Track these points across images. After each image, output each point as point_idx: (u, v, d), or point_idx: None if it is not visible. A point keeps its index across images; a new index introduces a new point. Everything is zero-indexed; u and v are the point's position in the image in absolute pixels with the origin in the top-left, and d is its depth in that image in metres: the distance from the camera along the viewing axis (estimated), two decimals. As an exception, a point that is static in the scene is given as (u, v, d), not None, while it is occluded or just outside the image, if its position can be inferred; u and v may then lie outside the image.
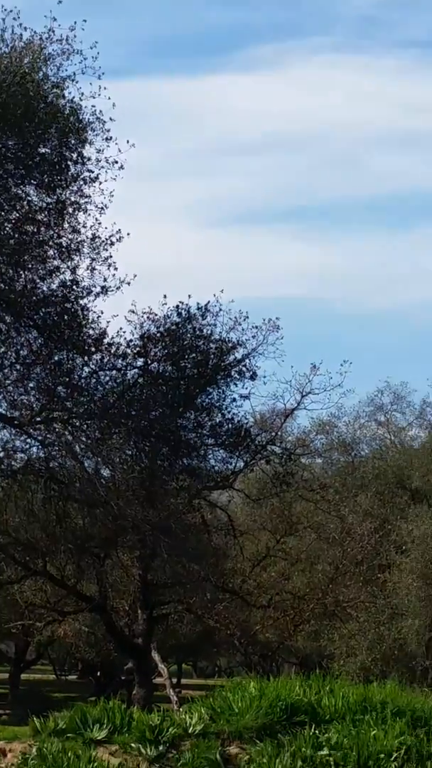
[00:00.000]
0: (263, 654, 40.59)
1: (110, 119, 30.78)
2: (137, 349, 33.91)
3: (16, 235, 31.04)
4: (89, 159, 31.10)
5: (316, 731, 17.11)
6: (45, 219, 31.45)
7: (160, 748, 16.81)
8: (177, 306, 34.86)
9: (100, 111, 30.74)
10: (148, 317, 34.64)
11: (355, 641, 40.60)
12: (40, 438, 32.55)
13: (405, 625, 40.55)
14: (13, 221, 31.03)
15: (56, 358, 31.93)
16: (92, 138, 30.94)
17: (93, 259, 31.74)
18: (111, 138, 30.83)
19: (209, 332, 34.47)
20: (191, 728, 17.46)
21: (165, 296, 34.51)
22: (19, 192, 31.12)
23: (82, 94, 30.70)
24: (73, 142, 30.89)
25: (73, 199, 31.52)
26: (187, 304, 35.00)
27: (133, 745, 16.88)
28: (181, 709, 19.56)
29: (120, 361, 33.60)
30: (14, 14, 29.82)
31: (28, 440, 32.82)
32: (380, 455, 46.86)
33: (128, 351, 33.70)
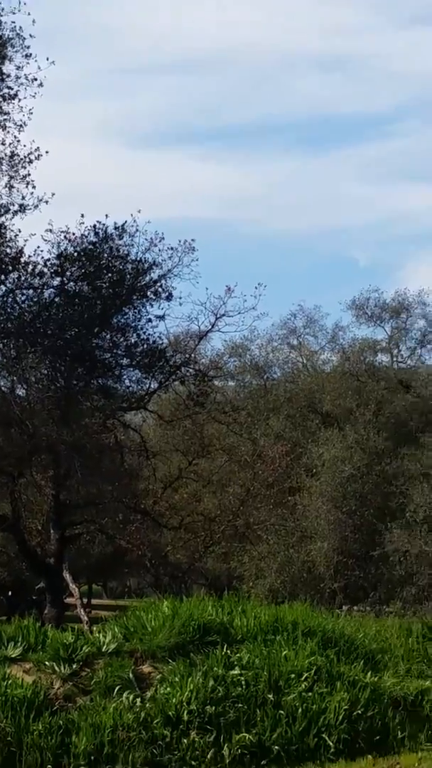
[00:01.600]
0: (173, 575, 41.06)
1: (30, 36, 31.24)
2: (54, 268, 33.79)
3: None
4: (8, 76, 31.65)
5: (228, 651, 17.43)
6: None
7: (74, 666, 17.14)
8: (94, 226, 34.34)
9: (20, 27, 30.99)
10: (65, 236, 34.11)
11: (264, 563, 40.81)
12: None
13: (314, 547, 40.56)
14: None
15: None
16: (12, 54, 31.56)
17: (11, 177, 31.98)
18: (30, 55, 31.30)
19: (126, 252, 34.40)
20: (105, 647, 17.77)
21: (82, 215, 34.31)
22: None
23: (2, 9, 31.22)
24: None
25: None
26: (104, 224, 34.94)
27: (47, 663, 17.20)
28: (93, 629, 20.53)
29: (37, 280, 33.69)
30: None
31: None
32: (292, 379, 46.27)
33: (45, 270, 33.77)
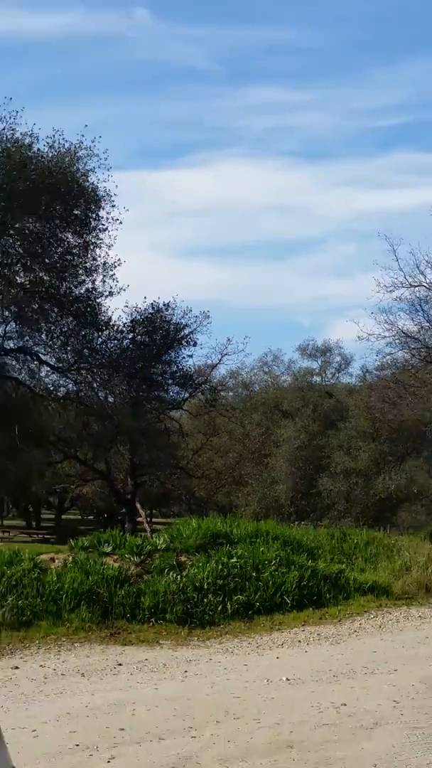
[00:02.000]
0: (198, 504, 41.28)
1: (114, 194, 31.50)
2: (128, 327, 34.35)
3: (60, 262, 32.14)
4: (102, 217, 31.97)
5: (229, 548, 17.41)
6: (77, 252, 32.34)
7: (141, 557, 17.00)
8: (152, 303, 34.40)
9: (108, 189, 31.30)
10: (135, 309, 34.33)
11: (250, 498, 40.80)
12: (73, 379, 33.59)
13: (279, 488, 40.48)
14: (59, 253, 32.08)
15: (83, 333, 32.82)
16: (104, 205, 31.80)
17: (104, 276, 32.53)
18: (115, 205, 31.78)
19: (170, 318, 35.05)
20: (159, 546, 17.68)
21: (144, 297, 35.17)
22: (62, 236, 32.05)
23: (98, 179, 31.39)
24: (93, 207, 31.82)
25: (93, 240, 32.34)
26: (157, 303, 34.55)
27: (126, 555, 17.02)
28: (153, 536, 20.63)
29: (119, 335, 34.34)
30: (60, 132, 30.70)
31: (67, 380, 33.87)
32: (265, 391, 46.17)
33: (123, 329, 34.40)
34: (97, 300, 32.95)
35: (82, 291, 32.66)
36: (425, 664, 12.13)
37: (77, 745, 9.05)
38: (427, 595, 16.94)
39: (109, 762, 8.62)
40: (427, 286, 30.32)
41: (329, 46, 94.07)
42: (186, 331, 35.69)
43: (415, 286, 30.17)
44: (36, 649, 13.65)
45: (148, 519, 32.76)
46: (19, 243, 31.07)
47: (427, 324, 31.44)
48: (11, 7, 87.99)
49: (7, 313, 31.93)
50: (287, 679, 11.71)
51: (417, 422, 33.66)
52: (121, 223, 32.58)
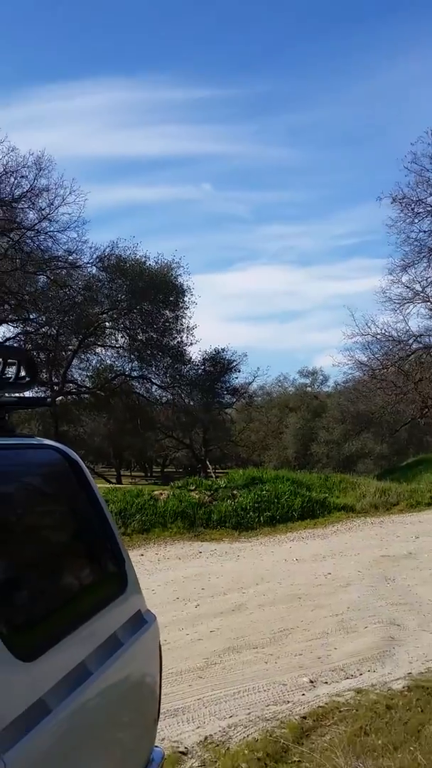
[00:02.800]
0: (243, 462, 40.80)
1: (192, 288, 31.46)
2: (201, 363, 34.03)
3: (162, 326, 32.21)
4: (186, 301, 31.64)
5: (261, 485, 17.07)
6: (171, 321, 32.24)
7: (211, 491, 16.67)
8: (215, 348, 33.83)
9: (189, 285, 31.19)
10: (205, 352, 33.87)
11: (272, 457, 40.86)
12: (170, 392, 33.15)
13: (288, 452, 40.55)
14: (161, 322, 32.14)
15: (175, 366, 32.10)
16: (187, 294, 31.61)
17: (187, 334, 32.08)
18: (192, 294, 31.40)
19: (225, 356, 34.54)
20: (221, 485, 17.35)
21: (210, 345, 35.59)
22: (163, 312, 31.96)
23: (184, 280, 31.28)
24: (180, 296, 31.51)
25: (180, 314, 32.16)
26: (217, 348, 34.20)
27: (202, 490, 16.74)
28: (217, 480, 20.56)
29: (196, 367, 33.89)
30: (161, 254, 31.12)
31: (167, 393, 33.44)
32: (279, 397, 45.68)
33: (198, 363, 33.95)
34: (184, 347, 32.86)
35: (174, 343, 32.58)
36: (375, 550, 12.02)
37: (177, 598, 9.15)
38: (376, 511, 16.73)
39: (196, 607, 8.69)
40: (372, 335, 30.51)
41: (314, 200, 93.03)
42: (233, 364, 35.53)
43: (365, 335, 30.49)
44: (153, 544, 13.74)
45: (215, 470, 32.73)
46: (139, 316, 31.30)
47: (372, 356, 31.59)
48: (134, 186, 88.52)
49: (132, 356, 32.14)
50: (296, 560, 11.69)
51: (367, 412, 33.48)
52: (196, 304, 33.02)
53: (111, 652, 2.49)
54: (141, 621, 2.88)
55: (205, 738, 4.90)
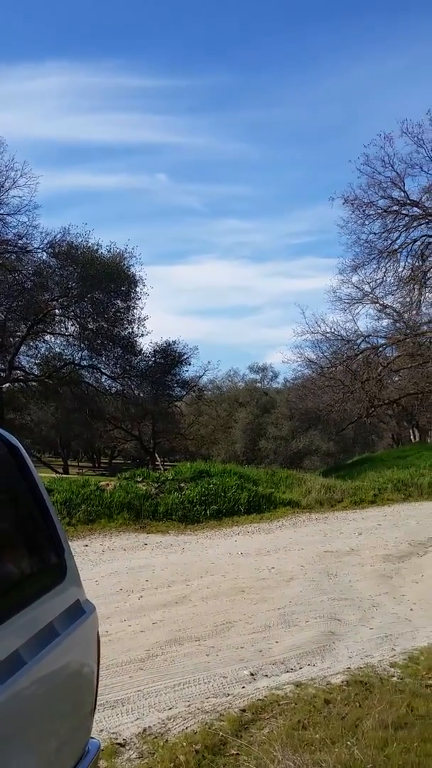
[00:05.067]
0: (191, 455, 40.88)
1: (144, 279, 31.51)
2: (152, 354, 33.92)
3: (113, 316, 31.89)
4: (137, 292, 31.55)
5: (209, 479, 17.02)
6: (123, 311, 31.92)
7: (158, 483, 16.65)
8: (165, 341, 33.93)
9: (141, 276, 31.20)
10: (156, 344, 33.80)
11: (220, 451, 40.83)
12: (120, 383, 32.90)
13: (237, 446, 40.51)
14: (112, 312, 31.80)
15: (126, 357, 32.12)
16: (139, 285, 31.52)
17: (138, 325, 31.97)
18: (144, 285, 31.56)
19: (175, 349, 34.69)
20: (168, 477, 17.29)
21: (161, 337, 35.31)
22: (114, 302, 31.65)
23: (136, 270, 31.25)
24: (132, 286, 31.37)
25: (132, 305, 31.88)
26: (168, 340, 34.32)
27: (151, 482, 16.66)
28: (165, 472, 20.40)
29: (146, 358, 33.79)
30: (114, 243, 30.91)
31: (116, 383, 33.17)
32: (229, 391, 46.15)
33: (149, 355, 33.90)
34: (135, 338, 32.67)
35: (125, 333, 32.35)
36: (318, 545, 12.12)
37: (121, 589, 9.07)
38: (321, 507, 16.88)
39: (139, 599, 8.62)
40: (321, 333, 30.86)
41: (269, 197, 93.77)
42: (184, 357, 35.44)
43: (314, 333, 30.84)
44: (98, 535, 13.60)
45: (163, 462, 32.62)
46: (90, 305, 30.93)
47: (321, 354, 31.97)
48: (88, 172, 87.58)
49: (82, 345, 31.78)
50: (241, 553, 11.71)
51: (315, 409, 33.77)
52: (148, 295, 32.94)
53: (47, 642, 2.43)
54: (79, 611, 2.82)
55: (144, 730, 4.86)
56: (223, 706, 5.28)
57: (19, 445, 2.75)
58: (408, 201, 29.44)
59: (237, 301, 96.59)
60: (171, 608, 8.14)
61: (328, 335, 31.06)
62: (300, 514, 16.10)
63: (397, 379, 33.80)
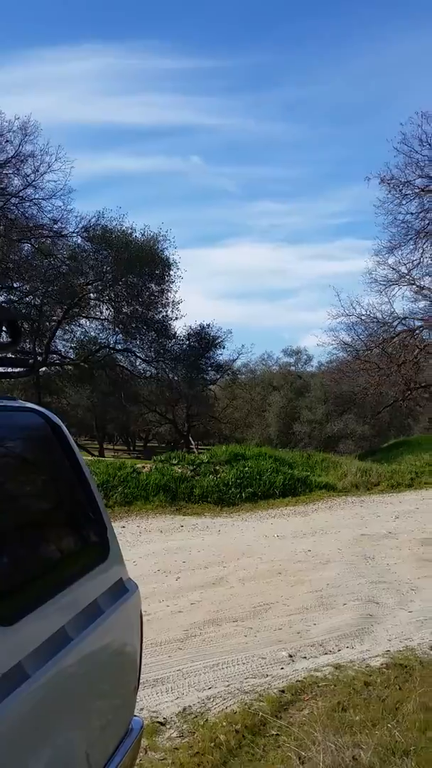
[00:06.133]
0: (225, 438, 40.68)
1: (179, 262, 31.73)
2: (186, 338, 33.89)
3: (148, 300, 31.92)
4: (172, 275, 31.40)
5: (244, 462, 17.05)
6: (157, 294, 31.97)
7: (194, 466, 16.69)
8: (200, 324, 33.63)
9: (176, 259, 30.95)
10: (190, 328, 33.66)
11: (254, 434, 40.62)
12: (155, 366, 32.94)
13: (271, 429, 40.30)
14: (146, 295, 31.84)
15: (160, 341, 32.16)
16: (173, 268, 31.42)
17: (173, 308, 31.88)
18: (179, 268, 31.24)
19: (210, 332, 34.64)
20: (204, 460, 17.30)
21: (196, 320, 35.23)
22: (149, 285, 31.73)
23: (170, 253, 31.18)
24: (166, 269, 31.24)
25: (166, 288, 31.87)
26: (203, 324, 34.06)
27: (186, 465, 16.74)
28: (200, 455, 20.47)
29: (181, 341, 33.76)
30: (148, 226, 30.96)
31: (151, 367, 33.18)
32: (263, 375, 45.55)
33: (183, 338, 33.86)
34: (169, 322, 32.54)
35: (160, 317, 32.26)
36: (355, 528, 12.06)
37: (158, 570, 9.13)
38: (357, 491, 16.79)
39: (176, 580, 8.67)
40: (357, 316, 30.59)
41: (304, 178, 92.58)
42: (218, 340, 35.31)
43: (350, 315, 30.60)
44: (134, 517, 13.69)
45: (197, 446, 32.68)
46: (125, 289, 30.97)
47: (357, 337, 31.71)
48: (122, 156, 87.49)
49: (117, 329, 31.90)
50: (277, 536, 11.70)
51: (350, 392, 33.57)
52: (182, 278, 32.74)
53: (92, 620, 2.45)
54: (122, 589, 2.84)
55: (184, 709, 4.90)
56: (262, 686, 5.29)
57: (61, 424, 2.76)
58: (446, 179, 28.91)
59: (272, 284, 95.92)
60: (208, 589, 8.17)
61: (363, 318, 30.74)
62: (336, 498, 16.03)
63: (434, 361, 33.40)
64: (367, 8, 78.35)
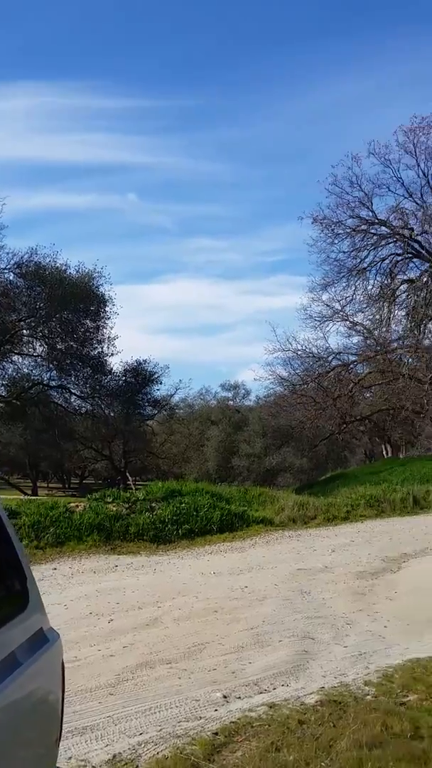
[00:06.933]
0: (163, 474, 40.52)
1: (114, 298, 31.43)
2: (122, 373, 33.96)
3: (83, 336, 31.77)
4: (107, 311, 31.52)
5: (181, 498, 16.94)
6: (92, 331, 31.85)
7: (129, 504, 16.44)
8: (136, 360, 34.20)
9: (110, 295, 31.12)
10: (126, 363, 33.94)
11: (192, 469, 40.47)
12: (90, 402, 32.85)
13: (209, 464, 40.17)
14: (82, 331, 31.69)
15: (96, 377, 32.06)
16: (108, 304, 31.45)
17: (108, 344, 31.89)
18: (114, 304, 31.39)
19: (146, 368, 34.79)
20: (140, 497, 17.07)
21: (132, 356, 35.42)
22: (83, 322, 31.59)
23: (105, 289, 31.26)
24: (101, 305, 31.30)
25: (101, 324, 31.84)
26: (139, 359, 34.52)
27: (121, 502, 16.48)
28: (136, 492, 20.25)
29: (116, 377, 33.76)
30: (82, 263, 31.14)
31: (86, 403, 33.12)
32: (201, 409, 45.71)
33: (119, 374, 33.86)
34: (104, 358, 32.62)
35: (95, 353, 32.30)
36: (291, 563, 12.11)
37: (90, 613, 8.95)
38: (294, 525, 16.89)
39: (109, 622, 8.52)
40: (293, 351, 31.19)
41: (240, 216, 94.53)
42: (155, 375, 35.46)
43: (286, 350, 31.17)
44: (67, 558, 13.39)
45: (135, 482, 32.29)
46: (59, 325, 30.82)
47: (293, 371, 32.28)
48: (57, 192, 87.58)
49: (51, 365, 31.64)
50: (214, 573, 11.64)
51: (287, 426, 33.98)
52: (118, 314, 32.91)
53: (10, 670, 2.38)
54: (43, 639, 2.77)
55: (114, 756, 4.77)
56: (195, 729, 5.20)
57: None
58: (376, 220, 29.97)
59: (209, 319, 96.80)
60: (142, 631, 8.05)
61: (299, 352, 31.36)
62: (273, 532, 16.08)
63: (368, 395, 34.18)
64: (299, 56, 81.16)
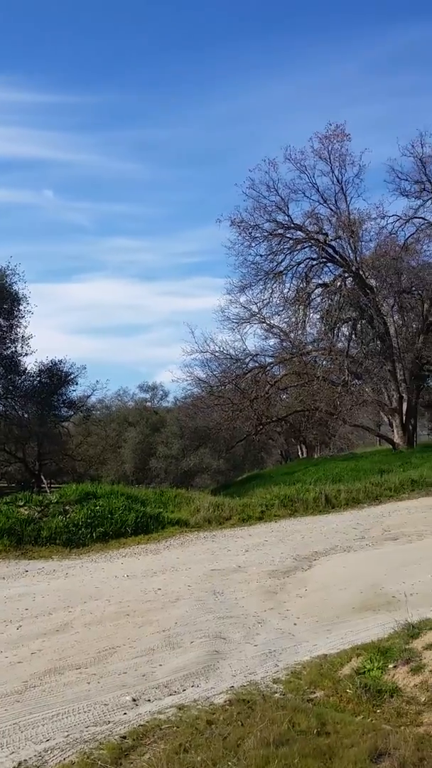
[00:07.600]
0: (79, 476, 39.69)
1: (29, 297, 30.68)
2: (37, 374, 33.16)
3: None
4: (21, 310, 30.80)
5: (95, 500, 16.79)
6: (5, 329, 31.10)
7: (41, 507, 16.21)
8: (51, 360, 33.40)
9: (25, 294, 30.38)
10: (41, 363, 33.07)
11: (109, 471, 40.13)
12: (3, 403, 32.10)
13: (126, 466, 39.91)
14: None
15: (9, 377, 31.35)
16: (23, 303, 30.79)
17: (22, 344, 31.22)
18: (29, 303, 30.49)
19: (62, 368, 34.15)
20: (53, 500, 16.93)
21: (47, 356, 34.14)
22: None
23: (19, 288, 30.61)
24: (15, 303, 30.65)
25: (15, 323, 31.14)
26: (54, 359, 33.77)
27: (33, 505, 16.31)
28: (50, 494, 19.86)
29: (31, 378, 33.06)
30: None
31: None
32: (118, 411, 45.47)
33: (34, 375, 33.11)
34: (18, 358, 31.66)
35: (8, 352, 31.34)
36: (205, 564, 12.17)
37: (-2, 620, 8.73)
38: (209, 525, 16.96)
39: (18, 629, 8.36)
40: (211, 352, 31.37)
41: (158, 217, 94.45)
42: (71, 376, 34.78)
43: (204, 352, 31.31)
44: (-24, 563, 13.07)
45: (50, 485, 31.58)
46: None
47: (211, 373, 32.45)
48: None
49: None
50: (127, 576, 11.59)
51: (205, 427, 34.13)
52: (32, 313, 32.00)
53: None
54: None
55: (19, 764, 4.70)
56: (103, 734, 5.17)
57: None
58: (292, 225, 30.48)
59: (127, 319, 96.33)
60: (51, 637, 7.93)
61: (217, 354, 31.52)
62: (188, 533, 16.11)
63: (284, 396, 34.74)
64: (220, 59, 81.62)
